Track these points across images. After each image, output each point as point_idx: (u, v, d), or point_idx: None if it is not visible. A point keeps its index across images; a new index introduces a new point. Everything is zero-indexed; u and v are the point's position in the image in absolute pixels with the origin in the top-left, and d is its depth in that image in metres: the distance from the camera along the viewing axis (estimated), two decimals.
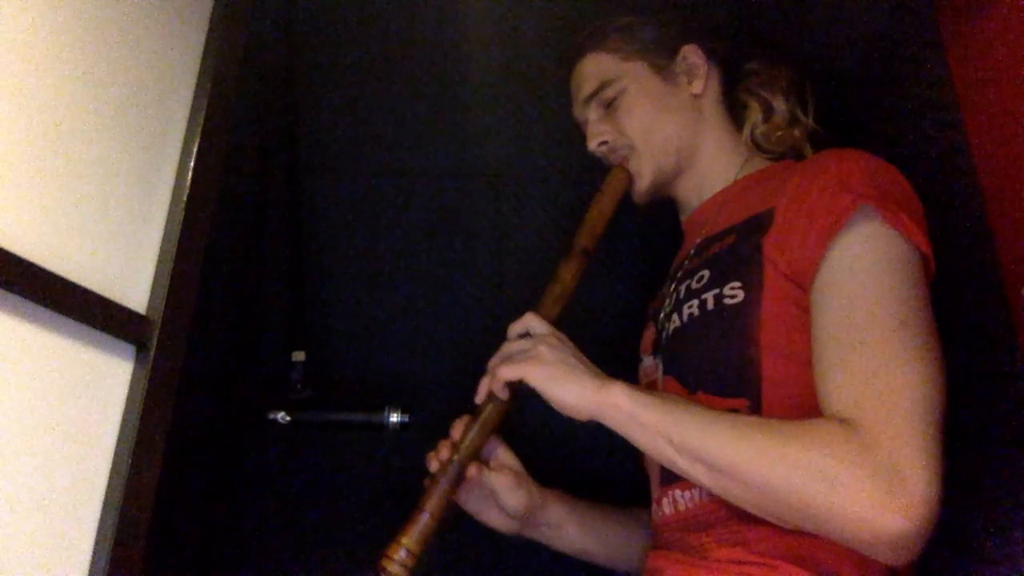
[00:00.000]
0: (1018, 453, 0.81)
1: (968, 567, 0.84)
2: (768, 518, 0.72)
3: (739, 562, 0.75)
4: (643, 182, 1.00)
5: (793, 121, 0.99)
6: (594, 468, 1.15)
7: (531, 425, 1.14)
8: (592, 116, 1.03)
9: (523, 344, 0.85)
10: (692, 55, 1.01)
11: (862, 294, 0.73)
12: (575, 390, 0.79)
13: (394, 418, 1.12)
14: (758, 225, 0.84)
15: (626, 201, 1.02)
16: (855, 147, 0.85)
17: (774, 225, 0.82)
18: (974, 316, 0.90)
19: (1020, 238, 0.85)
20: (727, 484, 0.72)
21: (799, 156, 0.98)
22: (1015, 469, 0.81)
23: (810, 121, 0.98)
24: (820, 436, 0.68)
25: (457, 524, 0.94)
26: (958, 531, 0.86)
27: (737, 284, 0.83)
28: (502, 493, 0.89)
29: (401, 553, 0.80)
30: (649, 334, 1.00)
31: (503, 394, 0.85)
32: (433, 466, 0.87)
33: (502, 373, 0.83)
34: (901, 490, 0.63)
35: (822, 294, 0.76)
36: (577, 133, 1.10)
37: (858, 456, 0.65)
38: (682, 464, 0.74)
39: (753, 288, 0.81)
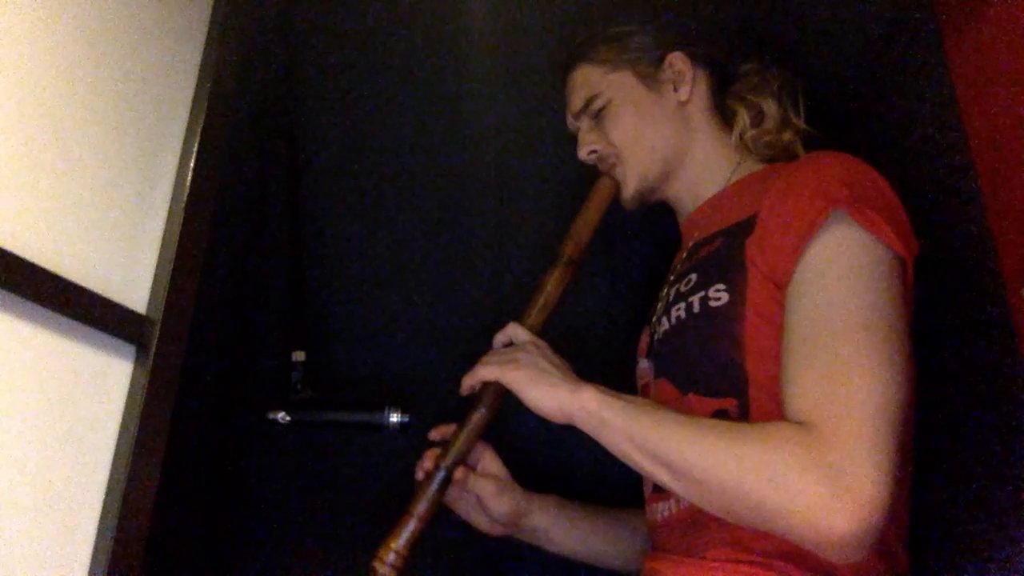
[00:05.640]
0: (1017, 453, 0.81)
1: (968, 567, 0.84)
2: (729, 519, 0.73)
3: (736, 561, 0.75)
4: (628, 190, 1.02)
5: (784, 124, 0.98)
6: (590, 470, 1.15)
7: (525, 429, 1.14)
8: (583, 126, 1.05)
9: (504, 352, 0.89)
10: (678, 62, 1.02)
11: (828, 298, 0.74)
12: (549, 393, 0.82)
13: (394, 418, 1.12)
14: (743, 229, 0.85)
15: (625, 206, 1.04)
16: (853, 148, 0.86)
17: (756, 229, 0.83)
18: (974, 316, 0.90)
19: (1020, 238, 0.85)
20: (687, 485, 0.73)
21: (792, 158, 0.97)
22: (1014, 469, 0.81)
23: (802, 123, 0.98)
24: (772, 438, 0.69)
25: (450, 525, 0.95)
26: (957, 531, 0.86)
27: (721, 286, 0.84)
28: (486, 500, 0.93)
29: (390, 556, 0.84)
30: (644, 337, 1.01)
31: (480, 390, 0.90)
32: (420, 473, 0.92)
33: (481, 372, 0.88)
34: (847, 492, 0.64)
35: (792, 298, 0.77)
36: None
37: (806, 457, 0.66)
38: (647, 466, 0.75)
39: (737, 290, 0.82)
